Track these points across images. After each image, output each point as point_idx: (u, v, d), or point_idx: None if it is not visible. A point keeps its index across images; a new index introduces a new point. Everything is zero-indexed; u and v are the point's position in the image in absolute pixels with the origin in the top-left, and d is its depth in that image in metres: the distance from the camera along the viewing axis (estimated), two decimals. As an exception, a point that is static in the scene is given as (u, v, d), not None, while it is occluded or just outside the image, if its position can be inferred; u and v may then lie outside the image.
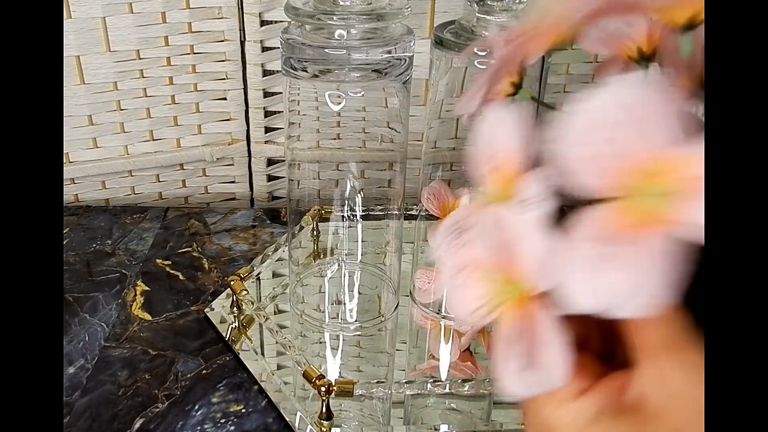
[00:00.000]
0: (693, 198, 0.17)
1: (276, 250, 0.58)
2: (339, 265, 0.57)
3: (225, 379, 0.47)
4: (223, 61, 0.65)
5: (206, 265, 0.60)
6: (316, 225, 0.59)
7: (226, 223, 0.67)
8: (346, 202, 0.55)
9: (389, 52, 0.42)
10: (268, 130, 0.69)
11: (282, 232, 0.65)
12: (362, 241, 0.57)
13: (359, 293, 0.55)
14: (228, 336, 0.51)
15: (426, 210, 0.50)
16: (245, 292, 0.51)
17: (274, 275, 0.58)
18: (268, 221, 0.67)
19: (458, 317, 0.21)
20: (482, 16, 0.43)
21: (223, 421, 0.44)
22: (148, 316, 0.53)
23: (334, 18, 0.40)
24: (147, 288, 0.57)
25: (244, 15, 0.62)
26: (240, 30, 0.63)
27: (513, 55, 0.25)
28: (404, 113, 0.47)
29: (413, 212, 0.58)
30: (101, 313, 0.53)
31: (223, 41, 0.64)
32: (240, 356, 0.49)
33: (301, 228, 0.59)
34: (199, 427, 0.43)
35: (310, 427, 0.43)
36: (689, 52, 0.23)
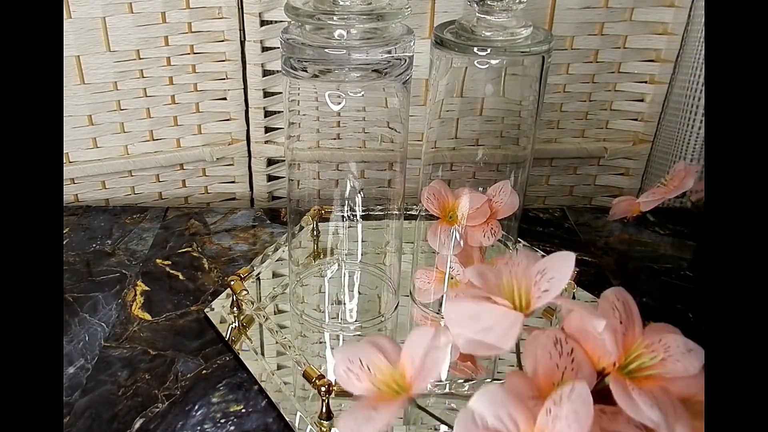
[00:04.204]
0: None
1: (276, 250, 0.58)
2: (339, 265, 0.57)
3: (225, 379, 0.47)
4: (223, 61, 0.65)
5: (206, 265, 0.60)
6: (316, 225, 0.59)
7: (226, 223, 0.67)
8: (346, 202, 0.55)
9: (389, 52, 0.42)
10: (268, 130, 0.69)
11: (282, 232, 0.65)
12: (362, 241, 0.57)
13: (359, 293, 0.55)
14: (228, 336, 0.51)
15: (426, 210, 0.50)
16: (245, 292, 0.51)
17: (274, 275, 0.58)
18: (268, 221, 0.67)
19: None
20: (482, 16, 0.43)
21: (223, 421, 0.44)
22: (148, 316, 0.53)
23: (334, 18, 0.40)
24: (147, 288, 0.57)
25: (244, 15, 0.63)
26: (240, 30, 0.63)
27: None
28: (404, 113, 0.47)
29: (413, 212, 0.58)
30: (101, 313, 0.53)
31: (223, 41, 0.64)
32: (240, 356, 0.49)
33: (301, 228, 0.59)
34: (199, 427, 0.43)
35: (310, 427, 0.43)
36: None
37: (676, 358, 0.25)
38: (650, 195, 0.51)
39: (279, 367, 0.48)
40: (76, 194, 0.69)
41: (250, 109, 0.68)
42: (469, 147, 0.57)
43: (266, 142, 0.70)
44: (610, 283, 0.58)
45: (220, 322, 0.52)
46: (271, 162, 0.71)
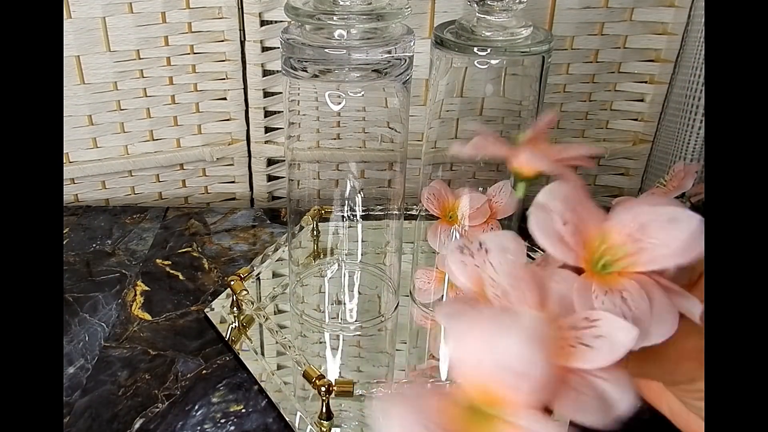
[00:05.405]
0: None
1: (276, 250, 0.58)
2: (339, 265, 0.57)
3: (225, 379, 0.47)
4: (223, 61, 0.65)
5: (206, 265, 0.60)
6: (316, 225, 0.59)
7: (226, 223, 0.67)
8: (346, 202, 0.55)
9: (389, 52, 0.42)
10: (268, 130, 0.69)
11: (282, 232, 0.65)
12: (362, 241, 0.57)
13: (359, 293, 0.55)
14: (228, 336, 0.51)
15: (426, 210, 0.50)
16: (245, 292, 0.51)
17: (274, 275, 0.58)
18: (268, 221, 0.67)
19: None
20: (482, 16, 0.43)
21: (223, 421, 0.44)
22: (148, 316, 0.53)
23: (334, 18, 0.40)
24: (147, 288, 0.57)
25: (244, 15, 0.63)
26: (240, 30, 0.63)
27: None
28: (404, 113, 0.47)
29: (413, 212, 0.58)
30: (101, 313, 0.53)
31: (223, 41, 0.64)
32: (240, 356, 0.49)
33: (301, 228, 0.59)
34: (199, 427, 0.43)
35: (310, 427, 0.43)
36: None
37: (654, 236, 0.21)
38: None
39: (279, 367, 0.48)
40: (76, 194, 0.69)
41: (250, 109, 0.68)
42: (469, 147, 0.57)
43: (266, 142, 0.70)
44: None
45: (220, 322, 0.52)
46: (271, 162, 0.71)
